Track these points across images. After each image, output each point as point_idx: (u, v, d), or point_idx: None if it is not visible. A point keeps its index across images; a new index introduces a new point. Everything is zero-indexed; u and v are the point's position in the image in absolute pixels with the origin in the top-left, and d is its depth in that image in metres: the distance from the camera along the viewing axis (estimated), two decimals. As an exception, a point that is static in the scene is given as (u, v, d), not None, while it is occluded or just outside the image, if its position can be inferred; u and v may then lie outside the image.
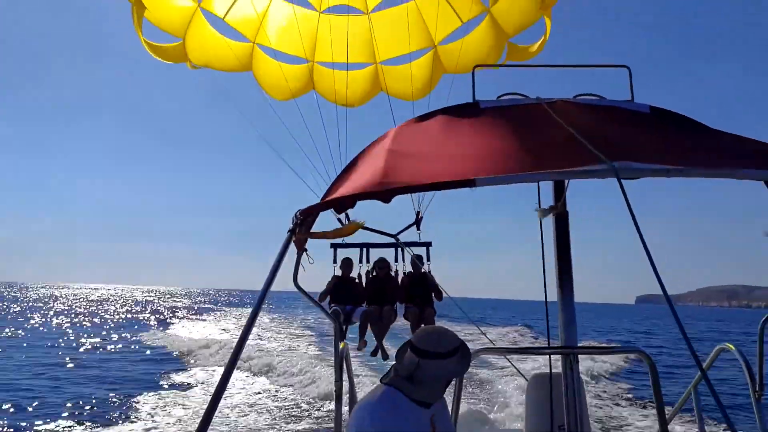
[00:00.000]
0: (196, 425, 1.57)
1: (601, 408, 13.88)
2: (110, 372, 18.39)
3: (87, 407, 12.93)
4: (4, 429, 11.07)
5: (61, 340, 27.48)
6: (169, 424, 11.47)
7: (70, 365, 19.64)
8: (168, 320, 45.57)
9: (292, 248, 2.29)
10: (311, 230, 2.22)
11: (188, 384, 16.20)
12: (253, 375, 17.48)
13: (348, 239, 6.77)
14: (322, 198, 2.22)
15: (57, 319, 42.91)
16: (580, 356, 2.77)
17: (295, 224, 2.10)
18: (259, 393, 14.91)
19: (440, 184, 1.80)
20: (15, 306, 59.35)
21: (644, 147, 2.07)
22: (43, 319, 41.50)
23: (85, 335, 30.68)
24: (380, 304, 6.74)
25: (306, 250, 2.41)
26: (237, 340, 1.74)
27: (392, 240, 6.61)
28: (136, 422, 11.62)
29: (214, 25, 7.12)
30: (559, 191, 2.72)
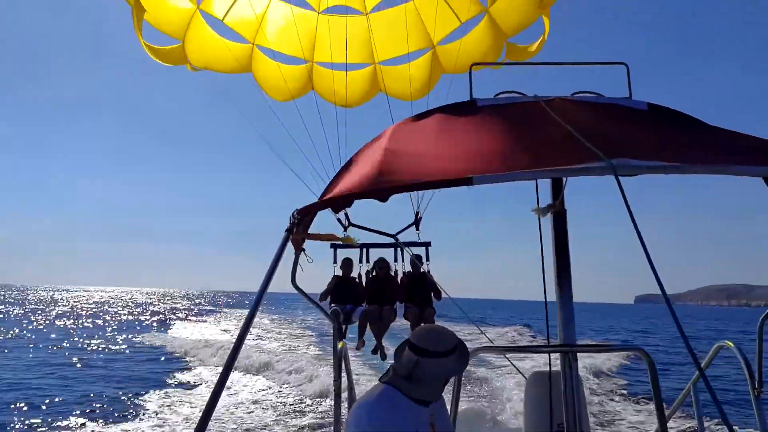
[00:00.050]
0: (196, 424, 1.57)
1: (596, 404, 14.02)
2: (117, 371, 18.80)
3: (97, 405, 13.34)
4: (20, 426, 11.38)
5: (65, 342, 27.80)
6: (176, 422, 11.69)
7: (78, 365, 20.05)
8: (169, 321, 46.04)
9: (291, 248, 2.29)
10: (309, 230, 2.22)
11: (193, 383, 16.52)
12: (254, 374, 17.63)
13: None
14: (319, 197, 2.21)
15: (60, 321, 43.33)
16: (579, 355, 2.76)
17: (292, 224, 2.09)
18: (260, 392, 15.08)
19: (437, 182, 1.80)
20: (16, 309, 59.60)
21: (642, 144, 2.07)
22: (47, 321, 41.95)
23: (89, 336, 31.12)
24: (380, 304, 6.77)
25: (304, 250, 2.41)
26: (235, 340, 1.74)
27: (392, 240, 6.64)
28: (145, 419, 11.93)
29: (213, 26, 7.12)
30: (557, 189, 2.72)
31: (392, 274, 7.07)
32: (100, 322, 44.25)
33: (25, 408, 12.84)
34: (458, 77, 7.53)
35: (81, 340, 29.21)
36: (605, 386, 16.71)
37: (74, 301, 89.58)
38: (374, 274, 7.00)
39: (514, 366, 4.00)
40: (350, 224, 6.73)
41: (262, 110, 7.77)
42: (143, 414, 12.41)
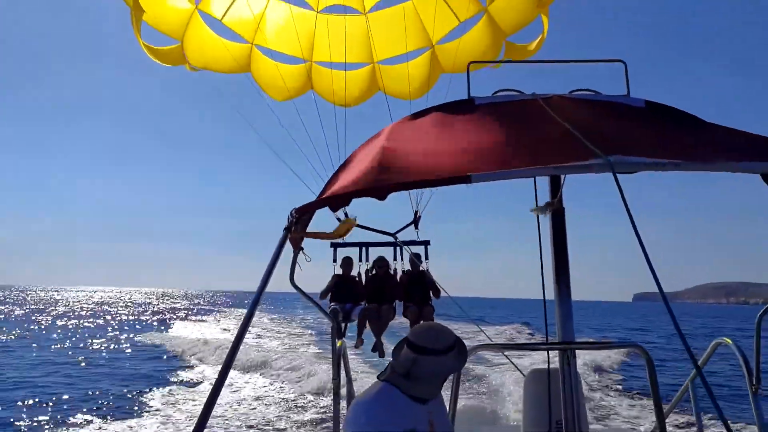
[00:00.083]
0: (195, 422, 1.57)
1: (592, 399, 14.11)
2: (121, 369, 19.05)
3: (103, 402, 13.54)
4: (30, 423, 11.56)
5: (67, 342, 28.01)
6: (179, 419, 11.83)
7: (82, 363, 20.28)
8: (170, 321, 46.29)
9: (289, 247, 2.29)
10: (307, 229, 2.21)
11: (196, 381, 16.74)
12: (254, 372, 17.75)
13: (347, 238, 6.83)
14: (317, 196, 2.21)
15: (61, 321, 43.58)
16: (578, 352, 2.77)
17: (290, 222, 2.09)
18: (261, 389, 15.22)
19: (435, 180, 1.80)
20: (17, 309, 59.84)
21: (640, 141, 2.07)
22: (48, 321, 42.17)
23: (91, 336, 31.36)
24: (379, 302, 6.82)
25: (302, 248, 2.41)
26: (233, 339, 1.74)
27: (391, 239, 6.67)
28: (150, 416, 12.15)
29: (212, 26, 7.12)
30: (556, 187, 2.72)
31: (391, 272, 7.10)
32: (100, 321, 44.58)
33: (33, 405, 13.05)
34: (457, 76, 7.53)
35: (83, 339, 29.47)
36: (602, 382, 16.98)
37: (74, 301, 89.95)
38: (374, 272, 7.03)
39: (513, 363, 4.02)
40: None
41: (261, 110, 7.77)
42: (148, 411, 12.64)
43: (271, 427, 11.46)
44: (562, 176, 2.69)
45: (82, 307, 69.50)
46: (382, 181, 1.86)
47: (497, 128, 2.31)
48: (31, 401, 13.39)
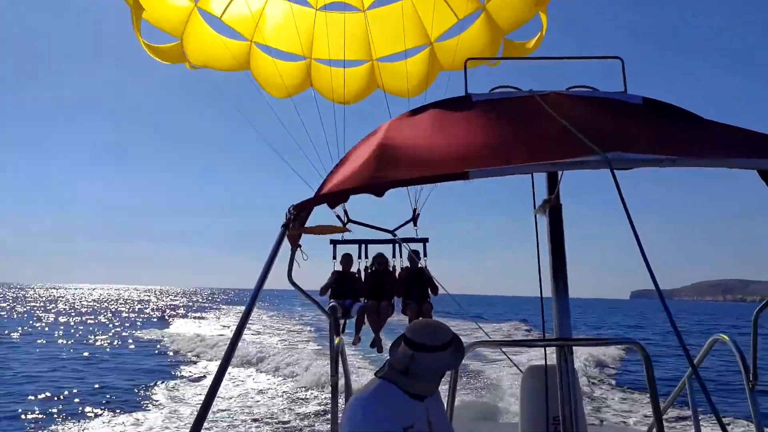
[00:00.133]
0: (194, 420, 1.58)
1: (587, 394, 14.32)
2: (125, 364, 19.52)
3: (112, 395, 14.11)
4: (42, 415, 11.93)
5: (71, 338, 28.37)
6: (184, 414, 12.05)
7: (89, 359, 20.79)
8: (172, 317, 46.84)
9: (287, 245, 2.29)
10: (305, 226, 2.21)
11: (199, 375, 17.06)
12: (254, 369, 17.93)
13: (347, 236, 6.90)
14: (315, 193, 2.21)
15: (63, 318, 44.07)
16: (575, 348, 2.77)
17: (288, 219, 2.09)
18: (261, 385, 15.42)
19: (433, 177, 1.80)
20: (19, 306, 60.10)
21: (637, 138, 2.07)
22: (51, 319, 42.68)
23: (94, 332, 31.85)
24: (379, 299, 6.90)
25: (300, 246, 2.40)
26: (231, 336, 1.74)
27: (390, 236, 6.70)
28: (156, 409, 12.56)
29: (211, 24, 7.10)
30: (553, 183, 2.72)
31: (390, 269, 7.15)
32: (102, 318, 45.13)
33: (45, 399, 13.44)
34: (456, 74, 7.52)
35: (86, 335, 29.89)
36: (597, 376, 17.29)
37: (75, 299, 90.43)
38: (374, 269, 7.09)
39: (510, 360, 4.03)
40: (349, 220, 6.79)
41: (260, 109, 7.78)
42: (154, 405, 13.05)
43: (275, 420, 11.76)
44: (560, 173, 2.69)
45: (82, 305, 70.04)
46: (379, 178, 1.86)
47: (494, 125, 2.31)
48: (42, 395, 13.80)
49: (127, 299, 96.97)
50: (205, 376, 16.68)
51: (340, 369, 3.22)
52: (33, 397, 13.54)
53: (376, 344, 7.08)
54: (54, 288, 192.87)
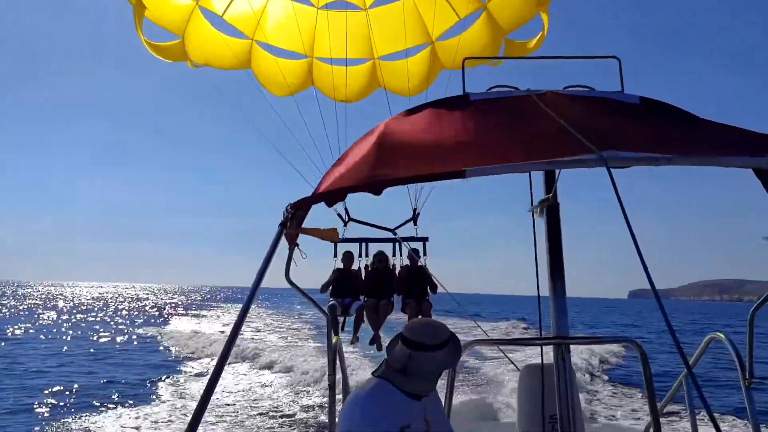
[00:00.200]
0: (192, 417, 1.59)
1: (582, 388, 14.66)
2: (132, 360, 19.96)
3: (120, 389, 14.47)
4: (55, 408, 12.26)
5: (75, 335, 28.74)
6: (190, 408, 12.29)
7: (95, 355, 21.17)
8: (172, 315, 47.24)
9: (285, 243, 2.29)
10: (302, 225, 2.21)
11: (203, 371, 17.45)
12: (253, 368, 18.05)
13: (348, 234, 6.99)
14: (313, 191, 2.21)
15: (65, 315, 44.48)
16: (572, 347, 2.78)
17: (285, 218, 2.09)
18: (257, 386, 15.47)
19: (430, 175, 1.81)
20: (21, 305, 60.31)
21: (633, 137, 2.08)
22: (53, 316, 43.08)
23: (97, 329, 32.20)
24: (378, 297, 6.95)
25: (298, 245, 2.40)
26: (228, 334, 1.75)
27: (390, 235, 6.75)
28: (165, 403, 12.99)
29: (213, 22, 7.11)
30: (550, 182, 2.72)
31: (390, 267, 7.20)
32: (103, 316, 45.58)
33: (56, 393, 13.85)
34: (456, 73, 7.49)
35: (89, 332, 30.24)
36: (591, 372, 17.54)
37: (75, 297, 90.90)
38: (374, 266, 7.14)
39: (508, 358, 4.04)
40: (350, 219, 6.84)
41: (261, 108, 7.79)
42: (163, 397, 13.54)
43: (278, 413, 12.05)
44: (557, 172, 2.70)
45: (82, 302, 70.48)
46: (377, 177, 1.86)
47: (492, 124, 2.31)
48: (53, 389, 14.19)
49: (126, 297, 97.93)
50: (208, 371, 17.12)
51: (338, 368, 3.22)
52: (47, 391, 13.92)
53: (376, 342, 7.14)
54: (54, 286, 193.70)
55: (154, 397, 13.65)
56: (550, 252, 2.69)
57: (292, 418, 11.70)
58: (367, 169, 1.94)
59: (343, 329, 6.90)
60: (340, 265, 7.23)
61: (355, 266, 7.25)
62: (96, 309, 55.09)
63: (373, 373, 2.15)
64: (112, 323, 37.63)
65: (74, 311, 50.32)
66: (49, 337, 27.08)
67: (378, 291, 6.98)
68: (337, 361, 3.22)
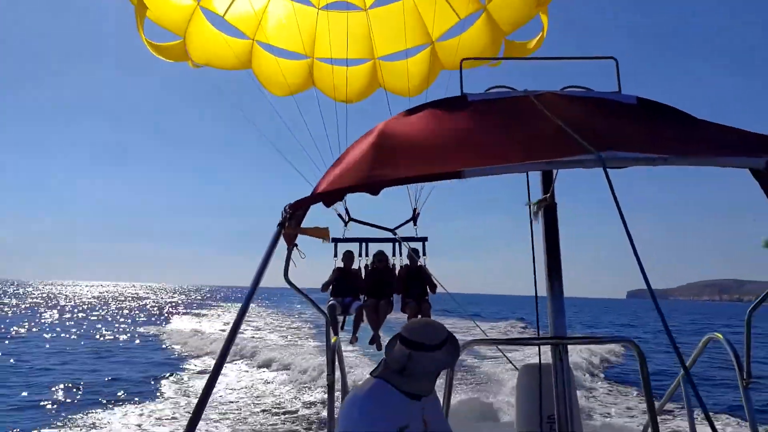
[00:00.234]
0: (193, 408, 1.60)
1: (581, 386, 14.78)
2: (135, 358, 20.20)
3: (126, 386, 14.79)
4: (61, 404, 12.62)
5: (77, 333, 28.87)
6: (193, 408, 12.57)
7: (98, 353, 21.39)
8: (173, 314, 47.53)
9: (283, 243, 2.29)
10: (301, 225, 2.22)
11: (206, 368, 17.64)
12: (252, 366, 18.14)
13: (348, 234, 7.03)
14: (312, 192, 2.21)
15: (67, 314, 44.72)
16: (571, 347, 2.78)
17: (284, 218, 2.09)
18: (260, 383, 15.63)
19: (428, 176, 1.81)
20: (22, 303, 60.60)
21: (631, 137, 2.08)
22: (55, 314, 43.32)
23: (100, 328, 32.45)
24: (378, 296, 6.99)
25: (296, 245, 2.41)
26: (227, 334, 1.75)
27: (390, 235, 6.79)
28: (169, 399, 13.27)
29: (214, 23, 7.13)
30: (548, 182, 2.73)
31: (390, 267, 7.23)
32: (105, 314, 45.84)
33: (62, 390, 14.10)
34: (456, 74, 7.51)
35: (92, 330, 30.50)
36: (589, 370, 17.66)
37: (76, 296, 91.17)
38: (374, 266, 7.17)
39: (507, 358, 4.04)
40: (350, 219, 6.87)
41: (261, 108, 7.80)
42: (167, 394, 13.78)
43: (281, 410, 12.21)
44: (554, 172, 2.70)
45: (82, 301, 70.80)
46: (374, 177, 1.87)
47: (489, 124, 2.32)
48: (59, 386, 14.41)
49: (127, 296, 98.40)
50: (210, 369, 17.42)
51: (337, 368, 3.22)
52: (53, 388, 14.15)
53: (375, 341, 7.17)
54: (54, 285, 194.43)
55: (158, 394, 13.88)
56: (547, 252, 2.70)
57: (295, 415, 11.89)
58: (365, 170, 1.95)
59: (342, 328, 6.94)
60: (341, 265, 7.27)
61: (355, 266, 7.29)
62: (97, 308, 55.42)
63: (371, 374, 2.15)
64: (113, 322, 37.87)
65: (76, 310, 50.61)
66: (52, 335, 27.29)
67: (378, 290, 7.02)
68: (336, 361, 3.22)
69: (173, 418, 11.34)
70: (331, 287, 7.11)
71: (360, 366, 15.31)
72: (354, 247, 7.27)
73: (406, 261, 7.20)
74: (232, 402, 12.87)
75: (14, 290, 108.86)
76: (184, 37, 6.86)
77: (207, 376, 1.70)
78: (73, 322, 35.74)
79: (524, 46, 7.36)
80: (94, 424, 10.90)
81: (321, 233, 2.21)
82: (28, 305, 55.56)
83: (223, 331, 29.02)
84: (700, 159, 1.83)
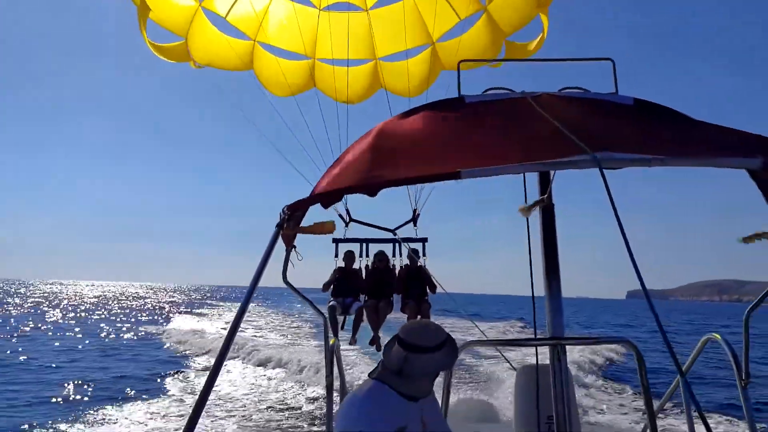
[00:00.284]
0: (191, 412, 1.60)
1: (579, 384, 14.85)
2: (140, 356, 20.51)
3: (133, 383, 15.07)
4: (71, 401, 12.95)
5: (82, 332, 29.13)
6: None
7: (104, 351, 21.76)
8: (175, 314, 47.57)
9: (282, 244, 2.30)
10: (299, 226, 2.22)
11: (210, 366, 17.60)
12: (254, 365, 18.24)
13: (349, 234, 7.08)
14: (310, 193, 2.22)
15: (71, 313, 45.11)
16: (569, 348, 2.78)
17: (282, 219, 2.10)
18: (263, 380, 15.77)
19: (426, 176, 1.82)
20: (24, 302, 60.83)
21: (628, 138, 2.09)
22: (58, 313, 43.70)
23: (103, 326, 32.75)
24: (378, 296, 7.03)
25: (295, 246, 2.41)
26: (226, 336, 1.76)
27: (391, 235, 6.82)
28: (176, 396, 13.54)
29: (216, 24, 7.15)
30: (545, 184, 2.73)
31: (391, 267, 7.27)
32: (107, 313, 46.19)
33: (71, 387, 14.39)
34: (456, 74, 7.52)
35: (96, 329, 30.81)
36: (586, 369, 17.73)
37: (77, 296, 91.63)
38: (375, 266, 7.20)
39: (506, 358, 4.05)
40: (351, 219, 6.91)
41: (261, 108, 7.82)
42: (172, 391, 14.06)
43: (285, 407, 12.42)
44: (552, 173, 2.70)
45: (85, 301, 71.13)
46: (372, 178, 1.88)
47: (487, 125, 2.33)
48: (68, 384, 14.68)
49: (128, 296, 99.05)
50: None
51: (335, 370, 3.23)
52: (64, 385, 14.45)
53: (375, 342, 7.20)
54: (55, 284, 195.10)
55: (165, 391, 14.15)
56: (545, 252, 2.70)
57: (298, 411, 12.10)
58: (363, 171, 1.95)
59: (343, 327, 6.99)
60: (342, 265, 7.32)
61: (356, 266, 7.33)
62: (100, 307, 55.76)
63: (369, 375, 2.15)
64: (116, 321, 38.14)
65: (79, 309, 50.90)
66: (58, 334, 27.56)
67: (378, 290, 7.05)
68: (335, 363, 3.23)
69: (180, 415, 11.52)
70: (332, 287, 7.16)
71: (359, 365, 15.38)
72: (355, 247, 7.31)
73: (407, 261, 7.23)
74: (237, 399, 13.07)
75: (16, 289, 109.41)
76: (186, 38, 6.89)
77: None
78: (75, 322, 36.02)
79: (525, 47, 7.37)
80: (105, 419, 11.16)
81: (324, 228, 2.19)
82: (31, 304, 55.87)
83: (224, 329, 29.43)
84: (697, 160, 1.83)
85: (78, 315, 42.59)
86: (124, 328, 31.98)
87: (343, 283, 7.13)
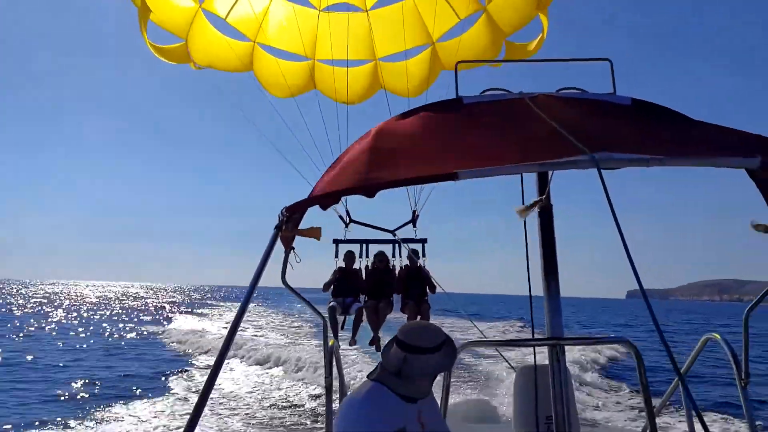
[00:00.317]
0: (192, 411, 1.61)
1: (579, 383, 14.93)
2: (145, 355, 20.83)
3: (139, 382, 15.38)
4: (78, 399, 13.24)
5: (86, 332, 29.42)
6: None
7: (108, 350, 22.04)
8: (178, 313, 48.06)
9: (281, 246, 2.31)
10: (298, 227, 2.23)
11: (209, 367, 17.92)
12: (256, 364, 18.33)
13: (349, 235, 7.12)
14: (309, 194, 2.22)
15: (73, 313, 45.55)
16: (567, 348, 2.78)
17: (281, 221, 2.10)
18: (266, 378, 15.90)
19: (424, 177, 1.82)
20: (28, 303, 61.02)
21: (626, 138, 2.09)
22: (61, 313, 44.12)
23: (106, 326, 33.00)
24: (378, 297, 7.06)
25: (293, 248, 2.42)
26: (225, 337, 1.76)
27: (390, 236, 6.85)
28: (180, 394, 13.74)
29: (216, 25, 7.16)
30: (543, 184, 2.73)
31: (390, 267, 7.29)
32: (109, 313, 46.54)
33: (77, 385, 14.74)
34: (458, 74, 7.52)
35: (99, 329, 31.10)
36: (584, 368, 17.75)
37: (79, 296, 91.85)
38: (375, 266, 7.23)
39: (505, 359, 4.05)
40: (351, 220, 6.93)
41: (261, 108, 7.82)
42: (176, 390, 14.33)
43: (289, 403, 12.61)
44: (550, 173, 2.70)
45: (86, 301, 71.39)
46: (370, 180, 1.88)
47: (485, 127, 2.33)
48: (75, 382, 14.94)
49: (129, 295, 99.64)
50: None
51: (335, 371, 3.23)
52: (71, 384, 14.75)
53: (375, 343, 7.22)
54: (56, 284, 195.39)
55: (169, 389, 14.37)
56: (543, 253, 2.70)
57: (301, 408, 12.27)
58: (361, 172, 1.96)
59: (343, 327, 7.02)
60: (342, 265, 7.34)
61: (356, 266, 7.36)
62: (102, 307, 56.11)
63: (368, 376, 2.15)
64: (118, 321, 38.42)
65: (81, 309, 51.24)
66: (62, 333, 27.82)
67: (378, 291, 7.08)
68: (334, 364, 3.23)
69: (185, 413, 11.66)
70: (332, 287, 7.19)
71: (359, 364, 15.40)
72: (355, 248, 7.34)
73: (406, 262, 7.25)
74: (240, 398, 13.20)
75: (17, 289, 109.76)
76: (186, 40, 6.90)
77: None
78: (78, 321, 36.29)
79: (524, 48, 7.37)
80: (113, 417, 11.32)
81: (313, 233, 2.25)
82: (33, 304, 56.25)
83: (225, 329, 29.56)
84: (695, 159, 1.82)
85: (80, 315, 42.95)
86: (127, 328, 32.25)
87: (343, 283, 7.16)
